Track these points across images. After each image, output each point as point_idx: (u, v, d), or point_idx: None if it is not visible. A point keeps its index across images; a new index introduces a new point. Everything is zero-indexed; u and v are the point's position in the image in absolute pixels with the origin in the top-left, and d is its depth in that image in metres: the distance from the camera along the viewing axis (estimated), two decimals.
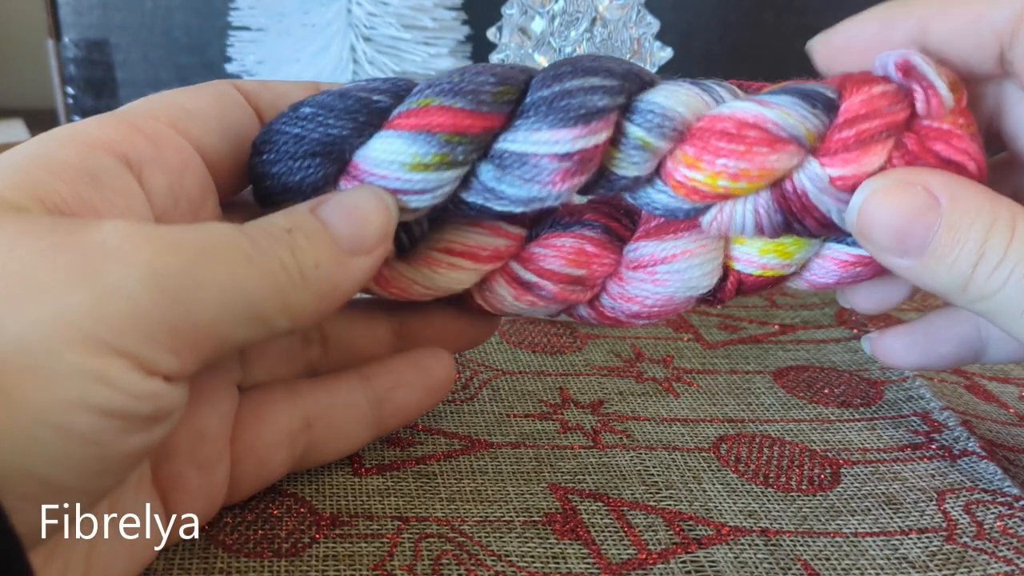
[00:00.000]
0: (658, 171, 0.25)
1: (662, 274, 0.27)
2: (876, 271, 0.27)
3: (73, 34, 0.56)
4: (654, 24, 0.42)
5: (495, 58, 0.43)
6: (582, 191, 0.25)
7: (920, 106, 0.24)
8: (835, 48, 0.27)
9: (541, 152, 0.23)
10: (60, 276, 0.18)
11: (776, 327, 0.43)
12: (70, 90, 0.58)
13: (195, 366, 0.20)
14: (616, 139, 0.24)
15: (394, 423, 0.29)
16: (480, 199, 0.25)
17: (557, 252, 0.27)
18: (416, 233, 0.27)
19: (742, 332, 0.42)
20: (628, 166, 0.24)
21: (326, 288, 0.22)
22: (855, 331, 0.43)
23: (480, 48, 0.54)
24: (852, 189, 0.24)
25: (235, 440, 0.25)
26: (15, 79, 0.79)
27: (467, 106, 0.23)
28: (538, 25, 0.41)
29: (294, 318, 0.22)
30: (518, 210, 0.25)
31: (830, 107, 0.24)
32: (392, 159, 0.23)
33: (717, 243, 0.27)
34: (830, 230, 0.25)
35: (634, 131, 0.24)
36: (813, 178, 0.24)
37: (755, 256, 0.27)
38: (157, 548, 0.24)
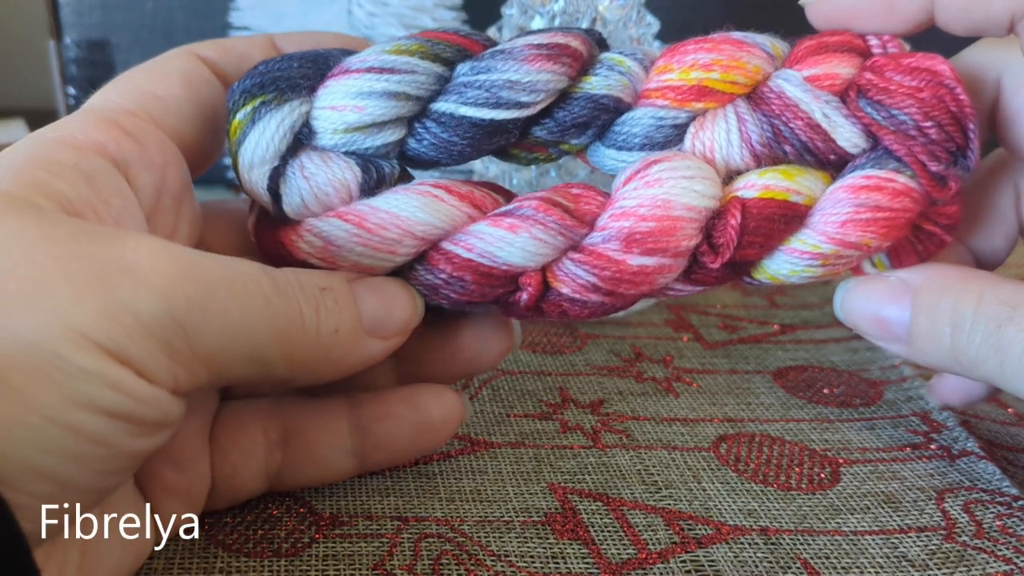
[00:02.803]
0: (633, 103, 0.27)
1: (655, 173, 0.25)
2: (893, 197, 0.25)
3: (74, 34, 0.56)
4: (654, 24, 0.42)
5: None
6: (563, 120, 0.26)
7: (876, 47, 0.26)
8: (835, 10, 0.26)
9: (518, 45, 0.25)
10: (73, 285, 0.18)
11: (776, 327, 0.43)
12: (71, 90, 0.58)
13: (190, 387, 0.20)
14: (589, 67, 0.26)
15: (379, 458, 0.27)
16: (452, 101, 0.25)
17: (540, 192, 0.26)
18: (385, 170, 0.26)
19: (742, 332, 0.42)
20: (603, 86, 0.26)
21: (336, 355, 0.23)
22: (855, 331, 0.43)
23: None
24: (830, 89, 0.26)
25: (211, 444, 0.25)
26: (16, 79, 0.79)
27: (450, 30, 0.26)
28: (538, 25, 0.41)
29: (294, 370, 0.22)
30: (489, 114, 0.25)
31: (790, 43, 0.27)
32: (374, 49, 0.25)
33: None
34: (821, 137, 0.25)
35: (608, 55, 0.27)
36: (788, 78, 0.26)
37: (755, 179, 0.26)
38: (152, 547, 0.24)
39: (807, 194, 0.26)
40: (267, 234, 0.26)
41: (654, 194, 0.25)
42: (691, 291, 0.27)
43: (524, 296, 0.25)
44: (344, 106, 0.25)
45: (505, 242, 0.24)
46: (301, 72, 0.25)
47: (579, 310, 0.26)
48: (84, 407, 0.18)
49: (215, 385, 0.21)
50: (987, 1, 0.24)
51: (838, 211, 0.25)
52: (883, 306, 0.26)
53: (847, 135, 0.26)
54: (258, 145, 0.24)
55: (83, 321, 0.18)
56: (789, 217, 0.25)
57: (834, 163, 0.26)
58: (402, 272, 0.25)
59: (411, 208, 0.24)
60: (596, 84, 0.26)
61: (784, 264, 0.26)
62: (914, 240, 0.26)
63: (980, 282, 0.25)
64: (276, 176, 0.25)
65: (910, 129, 0.25)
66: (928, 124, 0.25)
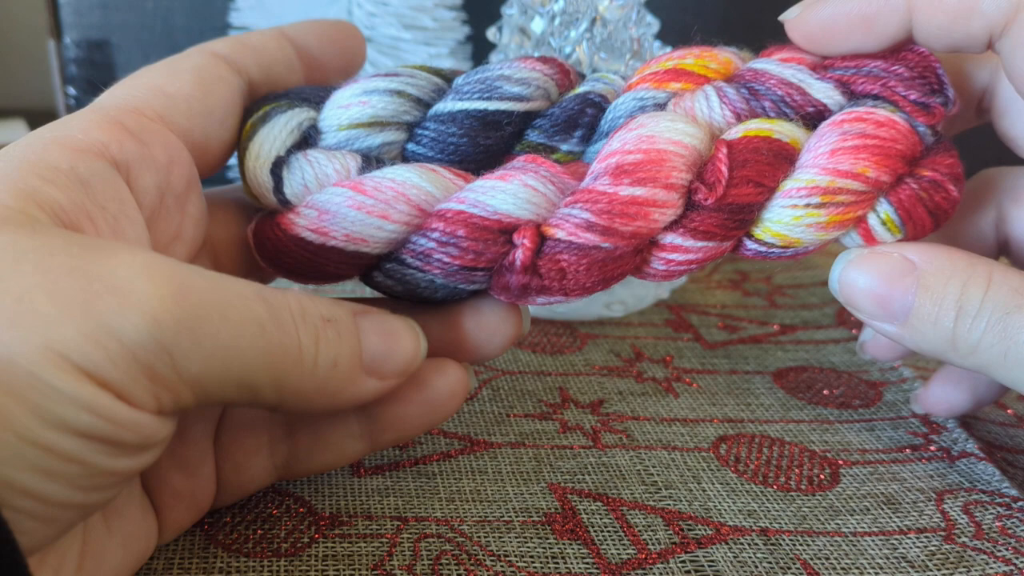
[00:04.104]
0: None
1: (638, 121, 0.25)
2: (878, 126, 0.25)
3: (74, 34, 0.56)
4: (654, 24, 0.42)
5: (495, 58, 0.43)
6: (554, 116, 0.27)
7: None
8: (814, 27, 0.27)
9: (511, 58, 0.28)
10: (57, 303, 0.17)
11: (776, 327, 0.43)
12: (71, 90, 0.58)
13: (175, 409, 0.19)
14: (577, 84, 0.28)
15: (389, 438, 0.27)
16: (450, 100, 0.26)
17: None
18: (386, 164, 0.26)
19: (742, 332, 0.42)
20: (590, 88, 0.27)
21: (331, 388, 0.22)
22: (854, 331, 0.43)
23: (480, 48, 0.54)
24: (804, 63, 0.27)
25: (215, 444, 0.25)
26: (15, 79, 0.79)
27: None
28: (538, 25, 0.41)
29: (285, 399, 0.21)
30: (483, 105, 0.26)
31: None
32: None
33: None
34: (797, 91, 0.26)
35: (599, 72, 0.29)
36: (763, 60, 0.27)
37: (737, 127, 0.26)
38: (152, 546, 0.24)
39: (790, 135, 0.26)
40: (264, 224, 0.26)
41: (638, 133, 0.25)
42: (696, 252, 0.26)
43: (519, 253, 0.24)
44: (350, 104, 0.26)
45: (497, 190, 0.24)
46: (314, 93, 0.27)
47: (578, 262, 0.25)
48: (57, 427, 0.17)
49: (203, 407, 0.20)
50: (966, 20, 0.25)
51: (825, 142, 0.25)
52: (885, 284, 0.25)
53: (821, 88, 0.26)
54: (267, 138, 0.25)
55: (63, 341, 0.17)
56: (776, 152, 0.25)
57: (813, 116, 0.26)
58: (396, 251, 0.25)
59: (408, 174, 0.25)
60: (583, 88, 0.28)
61: (784, 211, 0.25)
62: (920, 192, 0.25)
63: (989, 267, 0.24)
64: (280, 163, 0.25)
65: (881, 72, 0.26)
66: (897, 67, 0.26)
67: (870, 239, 0.26)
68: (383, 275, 0.26)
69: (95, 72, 0.57)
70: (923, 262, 0.25)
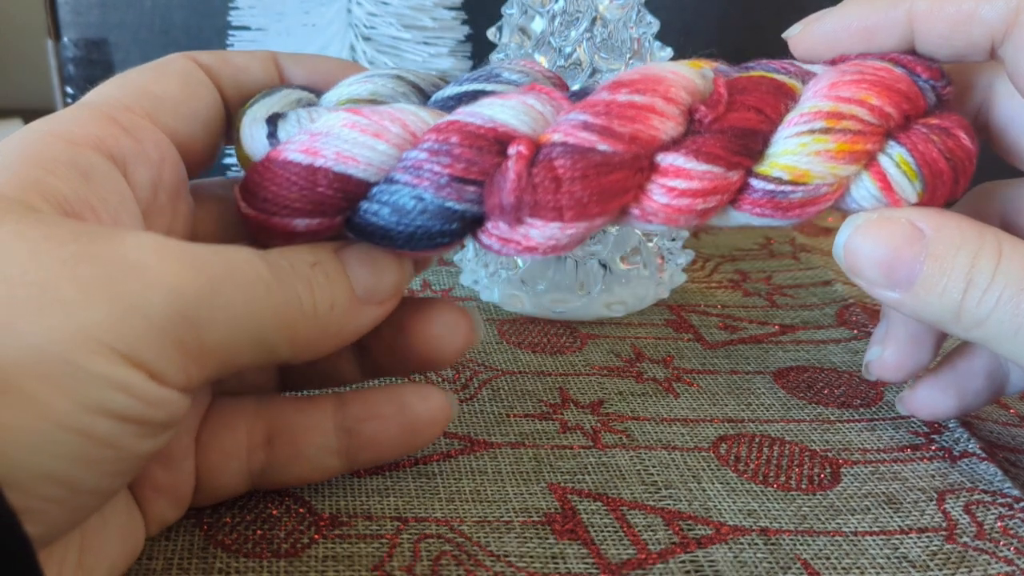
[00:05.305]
0: None
1: (638, 67, 0.26)
2: (876, 69, 0.25)
3: (72, 34, 0.56)
4: (654, 24, 0.42)
5: (495, 58, 0.43)
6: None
7: None
8: (817, 41, 0.27)
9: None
10: (81, 288, 0.18)
11: (776, 327, 0.43)
12: (69, 90, 0.58)
13: (199, 382, 0.20)
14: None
15: (366, 458, 0.27)
16: (450, 88, 0.27)
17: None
18: None
19: (742, 332, 0.42)
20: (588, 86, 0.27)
21: (334, 329, 0.23)
22: (855, 332, 0.43)
23: (480, 48, 0.54)
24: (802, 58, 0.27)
25: (195, 442, 0.25)
26: (14, 79, 0.79)
27: None
28: (538, 25, 0.41)
29: (297, 351, 0.22)
30: (481, 86, 0.26)
31: None
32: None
33: None
34: (790, 63, 0.27)
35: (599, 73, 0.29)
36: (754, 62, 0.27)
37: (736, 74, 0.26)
38: (141, 540, 0.24)
39: (787, 80, 0.26)
40: (252, 168, 0.24)
41: (635, 68, 0.25)
42: (700, 180, 0.24)
43: (512, 162, 0.23)
44: (351, 84, 0.26)
45: (496, 105, 0.24)
46: (314, 90, 0.27)
47: (573, 166, 0.23)
48: (95, 411, 0.18)
49: (222, 375, 0.21)
50: (967, 28, 0.24)
51: (825, 79, 0.25)
52: (892, 250, 0.24)
53: (815, 66, 0.27)
54: (266, 103, 0.25)
55: (93, 325, 0.18)
56: (776, 87, 0.25)
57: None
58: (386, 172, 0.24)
59: (408, 106, 0.25)
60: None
61: (789, 140, 0.25)
62: (932, 136, 0.25)
63: (997, 238, 0.24)
64: (276, 117, 0.25)
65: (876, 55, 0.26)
66: (890, 59, 0.26)
67: (887, 187, 0.25)
68: (370, 201, 0.24)
69: (93, 71, 0.57)
70: (931, 229, 0.24)
